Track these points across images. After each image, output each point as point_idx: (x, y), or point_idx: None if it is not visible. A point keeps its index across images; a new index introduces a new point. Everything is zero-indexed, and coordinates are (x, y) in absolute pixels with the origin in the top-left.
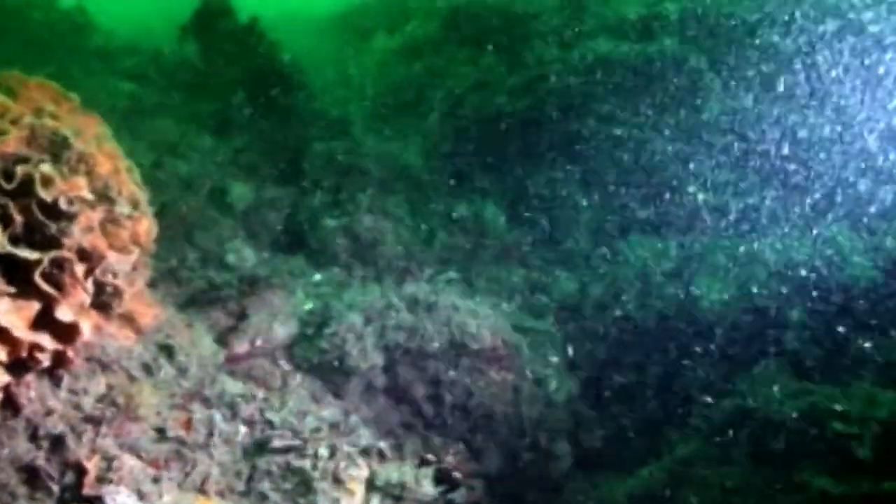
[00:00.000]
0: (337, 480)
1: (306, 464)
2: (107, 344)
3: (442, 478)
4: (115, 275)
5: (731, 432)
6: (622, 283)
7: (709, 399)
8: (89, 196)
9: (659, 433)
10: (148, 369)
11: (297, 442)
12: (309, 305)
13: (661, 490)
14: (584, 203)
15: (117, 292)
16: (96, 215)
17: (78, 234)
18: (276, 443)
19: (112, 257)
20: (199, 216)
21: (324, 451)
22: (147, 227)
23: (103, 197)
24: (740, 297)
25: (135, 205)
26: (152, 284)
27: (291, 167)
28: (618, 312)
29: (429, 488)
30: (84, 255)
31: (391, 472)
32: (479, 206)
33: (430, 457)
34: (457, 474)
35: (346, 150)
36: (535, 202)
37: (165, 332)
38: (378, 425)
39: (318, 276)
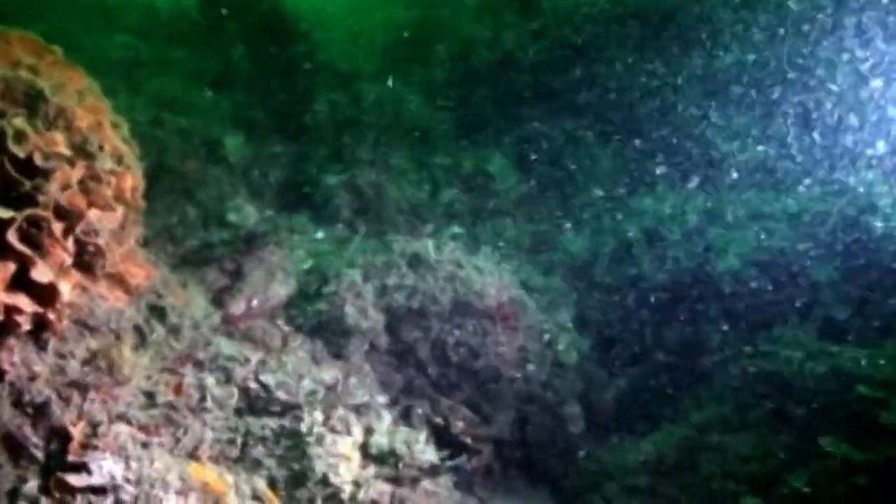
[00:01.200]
0: (332, 445)
1: (301, 428)
2: (95, 306)
3: (449, 442)
4: (97, 233)
5: (749, 396)
6: (636, 239)
7: (727, 361)
8: (67, 151)
9: (674, 396)
10: (139, 332)
11: (292, 405)
12: (308, 263)
13: (675, 456)
14: (598, 155)
15: (100, 252)
16: (75, 172)
17: (55, 192)
18: (271, 407)
19: (93, 215)
20: (199, 173)
21: (319, 416)
22: (133, 183)
23: (83, 152)
24: (762, 253)
25: (119, 160)
26: (145, 244)
27: (294, 122)
28: (631, 270)
29: (429, 455)
30: (62, 213)
31: (390, 438)
32: (486, 158)
33: (438, 420)
34: (466, 438)
35: (350, 102)
36: (545, 154)
37: (158, 292)
38: (381, 387)
39: (320, 234)
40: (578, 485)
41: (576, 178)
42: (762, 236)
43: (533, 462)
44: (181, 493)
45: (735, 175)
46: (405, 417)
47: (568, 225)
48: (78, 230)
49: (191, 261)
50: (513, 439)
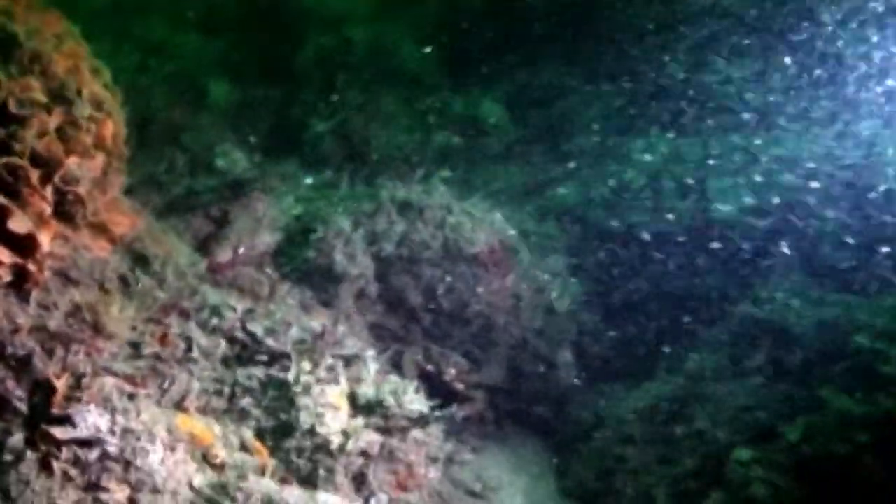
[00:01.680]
0: (320, 395)
1: (288, 378)
2: (78, 256)
3: (440, 390)
4: (77, 181)
5: (745, 345)
6: (631, 186)
7: (723, 310)
8: (43, 98)
9: (669, 344)
10: (123, 281)
11: (279, 354)
12: (297, 210)
13: (669, 406)
14: (592, 99)
15: (80, 200)
16: (53, 118)
17: (31, 139)
18: (258, 356)
19: (73, 163)
20: (186, 120)
21: (307, 365)
22: (114, 130)
23: (60, 98)
24: (760, 199)
25: (98, 106)
26: (130, 192)
27: (282, 66)
28: (626, 216)
29: (419, 404)
30: (39, 161)
31: (378, 388)
32: (478, 103)
33: (429, 368)
34: (458, 386)
35: (338, 46)
36: (539, 97)
37: (143, 241)
38: (371, 335)
39: (309, 180)
40: (571, 434)
41: (569, 122)
42: (761, 182)
43: (525, 411)
44: (168, 444)
45: (734, 119)
46: (395, 365)
47: (561, 170)
48: (57, 178)
49: (177, 208)
50: (505, 387)
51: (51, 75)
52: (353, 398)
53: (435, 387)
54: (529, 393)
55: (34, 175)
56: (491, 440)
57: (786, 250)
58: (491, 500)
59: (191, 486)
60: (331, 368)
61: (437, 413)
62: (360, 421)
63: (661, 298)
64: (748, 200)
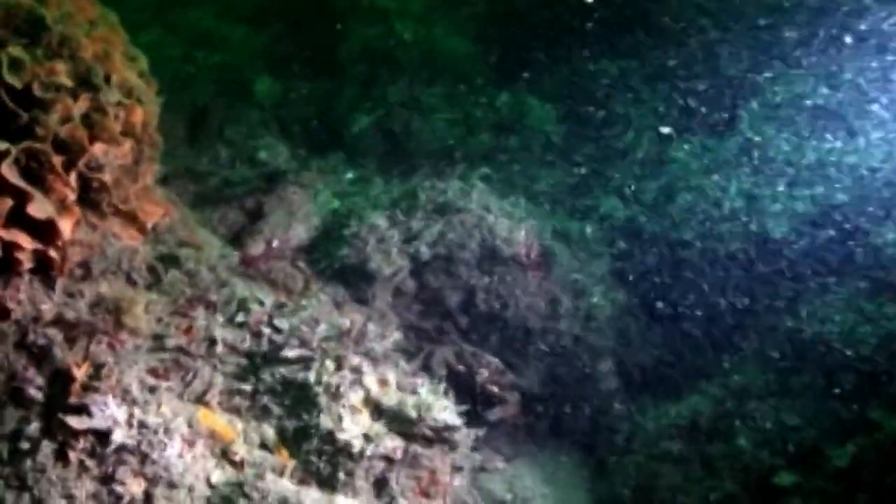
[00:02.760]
0: (343, 396)
1: (312, 377)
2: (107, 245)
3: (472, 393)
4: (101, 168)
5: (793, 361)
6: (678, 189)
7: (772, 323)
8: (68, 82)
9: (714, 358)
10: (153, 272)
11: (304, 352)
12: (334, 205)
13: (709, 423)
14: (644, 99)
15: (105, 188)
16: (79, 104)
17: (54, 124)
18: (283, 353)
19: (98, 150)
20: (230, 111)
21: (331, 364)
22: (143, 117)
23: (87, 84)
24: (814, 207)
25: (128, 93)
26: (166, 182)
27: (327, 58)
28: (673, 221)
29: (449, 412)
30: (62, 146)
31: (405, 391)
32: (525, 100)
33: (461, 369)
34: (492, 388)
35: (383, 38)
36: (588, 97)
37: (175, 232)
38: (404, 335)
39: (349, 175)
40: (607, 446)
41: (619, 121)
42: (816, 190)
43: (561, 420)
44: (188, 439)
45: (790, 122)
46: (426, 366)
47: (608, 171)
48: (81, 165)
49: (212, 200)
50: (541, 394)
51: (79, 60)
52: (377, 401)
53: (466, 388)
54: (566, 401)
55: (57, 161)
56: (524, 449)
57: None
58: None
59: (208, 483)
60: (356, 369)
61: (467, 419)
62: (383, 424)
63: (708, 309)
64: (802, 207)
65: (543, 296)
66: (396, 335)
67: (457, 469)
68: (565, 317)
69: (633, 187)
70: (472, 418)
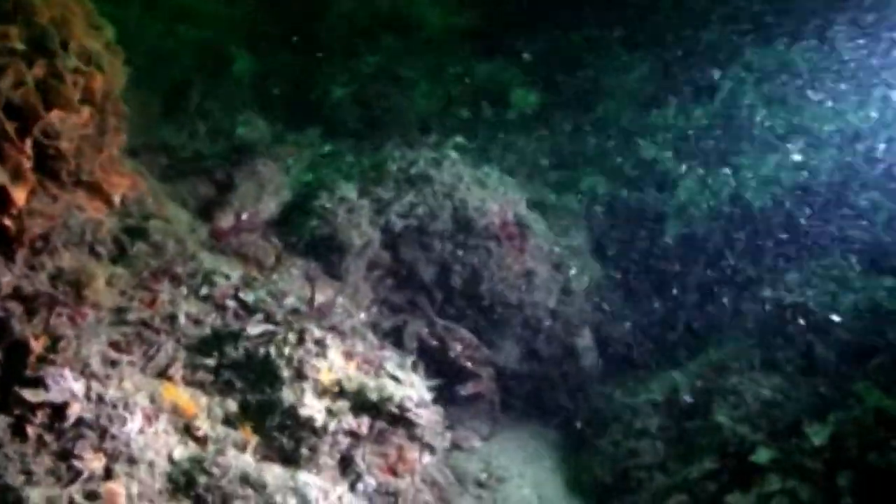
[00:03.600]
0: (308, 370)
1: (276, 350)
2: (70, 217)
3: (445, 367)
4: (59, 136)
5: (775, 334)
6: (661, 158)
7: (754, 296)
8: (20, 46)
9: (695, 331)
10: (118, 245)
11: (269, 325)
12: (308, 177)
13: (688, 398)
14: (624, 66)
15: (63, 156)
16: (34, 70)
17: (6, 88)
18: (247, 326)
19: (55, 116)
20: (208, 86)
21: (292, 337)
22: (103, 84)
23: (42, 49)
24: (799, 177)
25: (87, 60)
26: (135, 154)
27: (307, 32)
28: (655, 191)
29: (417, 386)
30: (16, 113)
31: (372, 363)
32: (504, 69)
33: (434, 343)
34: (465, 362)
35: (363, 10)
36: (567, 66)
37: (143, 204)
38: (375, 309)
39: (327, 148)
40: (586, 424)
41: (599, 91)
42: (800, 157)
43: (540, 398)
44: (149, 414)
45: (772, 85)
46: (397, 341)
47: (587, 142)
48: (36, 131)
49: (182, 172)
50: (518, 371)
51: (34, 25)
52: (342, 375)
53: (439, 363)
54: (544, 378)
55: (10, 127)
56: (501, 427)
57: (827, 233)
58: (495, 492)
59: (170, 459)
60: (319, 342)
61: (438, 394)
62: (347, 399)
63: (689, 282)
64: (788, 176)
65: (519, 267)
66: (367, 310)
67: (426, 446)
68: (541, 289)
69: (613, 157)
70: (444, 394)
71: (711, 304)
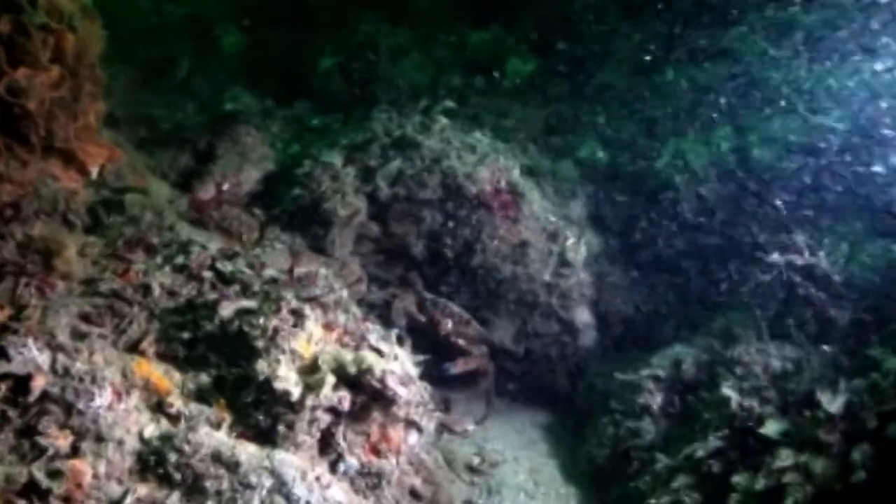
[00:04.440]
0: (286, 342)
1: (253, 322)
2: (42, 185)
3: (434, 344)
4: (24, 93)
5: (783, 299)
6: (662, 121)
7: (762, 260)
8: None
9: (700, 304)
10: (93, 214)
11: (245, 297)
12: (295, 148)
13: (693, 372)
14: (622, 30)
15: (30, 117)
16: None
17: None
18: (224, 299)
19: (20, 73)
20: (197, 61)
21: (269, 307)
22: (75, 45)
23: (7, 3)
24: (809, 136)
25: (58, 18)
26: (114, 125)
27: (297, 4)
28: (654, 157)
29: (397, 364)
30: None
31: (349, 341)
32: (499, 37)
33: (422, 319)
34: (458, 340)
35: None
36: (563, 29)
37: (121, 175)
38: (364, 285)
39: (315, 122)
40: (585, 404)
41: (598, 56)
42: (810, 118)
43: (537, 378)
44: (119, 390)
45: (780, 47)
46: (383, 314)
47: (584, 107)
48: (1, 88)
49: (163, 143)
50: (514, 350)
51: None
52: (321, 348)
53: (429, 340)
54: (542, 356)
55: None
56: (496, 409)
57: (838, 197)
58: (489, 477)
59: (141, 437)
60: (297, 312)
61: (427, 372)
62: (326, 373)
63: (693, 250)
64: (795, 138)
65: (513, 238)
66: (355, 284)
67: (411, 424)
68: (537, 262)
69: (611, 122)
70: (434, 373)
71: (718, 272)
